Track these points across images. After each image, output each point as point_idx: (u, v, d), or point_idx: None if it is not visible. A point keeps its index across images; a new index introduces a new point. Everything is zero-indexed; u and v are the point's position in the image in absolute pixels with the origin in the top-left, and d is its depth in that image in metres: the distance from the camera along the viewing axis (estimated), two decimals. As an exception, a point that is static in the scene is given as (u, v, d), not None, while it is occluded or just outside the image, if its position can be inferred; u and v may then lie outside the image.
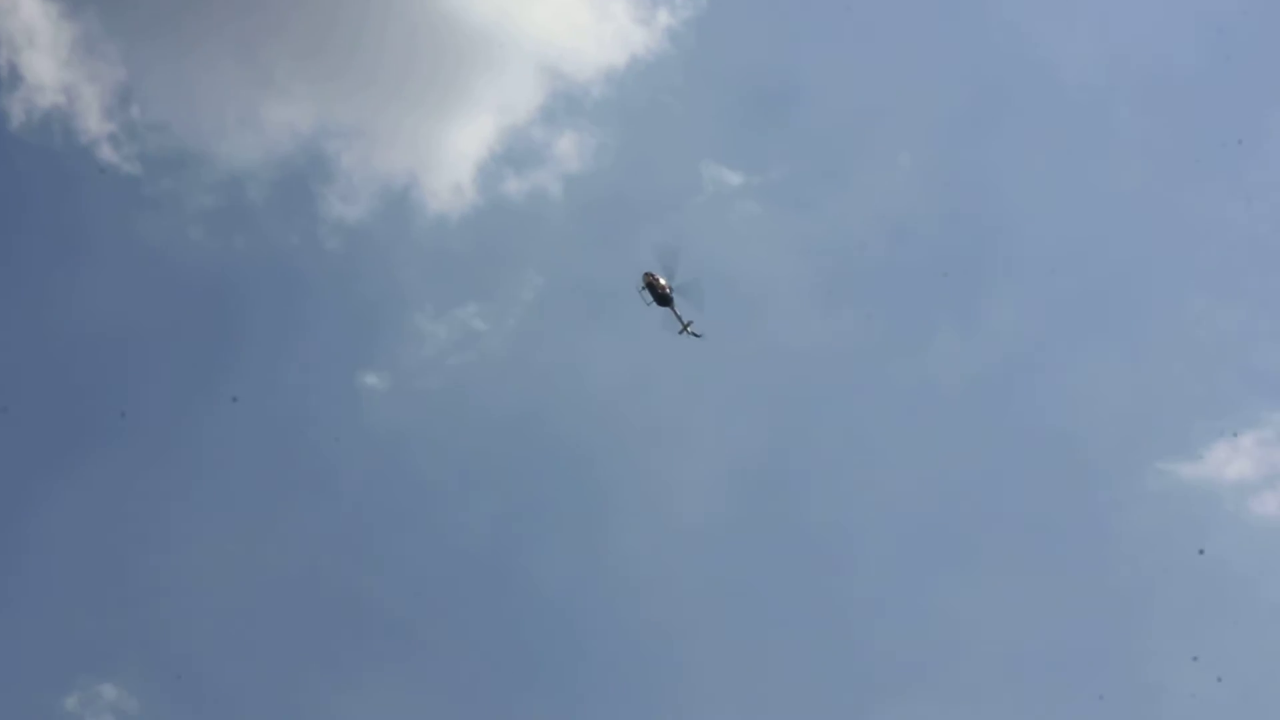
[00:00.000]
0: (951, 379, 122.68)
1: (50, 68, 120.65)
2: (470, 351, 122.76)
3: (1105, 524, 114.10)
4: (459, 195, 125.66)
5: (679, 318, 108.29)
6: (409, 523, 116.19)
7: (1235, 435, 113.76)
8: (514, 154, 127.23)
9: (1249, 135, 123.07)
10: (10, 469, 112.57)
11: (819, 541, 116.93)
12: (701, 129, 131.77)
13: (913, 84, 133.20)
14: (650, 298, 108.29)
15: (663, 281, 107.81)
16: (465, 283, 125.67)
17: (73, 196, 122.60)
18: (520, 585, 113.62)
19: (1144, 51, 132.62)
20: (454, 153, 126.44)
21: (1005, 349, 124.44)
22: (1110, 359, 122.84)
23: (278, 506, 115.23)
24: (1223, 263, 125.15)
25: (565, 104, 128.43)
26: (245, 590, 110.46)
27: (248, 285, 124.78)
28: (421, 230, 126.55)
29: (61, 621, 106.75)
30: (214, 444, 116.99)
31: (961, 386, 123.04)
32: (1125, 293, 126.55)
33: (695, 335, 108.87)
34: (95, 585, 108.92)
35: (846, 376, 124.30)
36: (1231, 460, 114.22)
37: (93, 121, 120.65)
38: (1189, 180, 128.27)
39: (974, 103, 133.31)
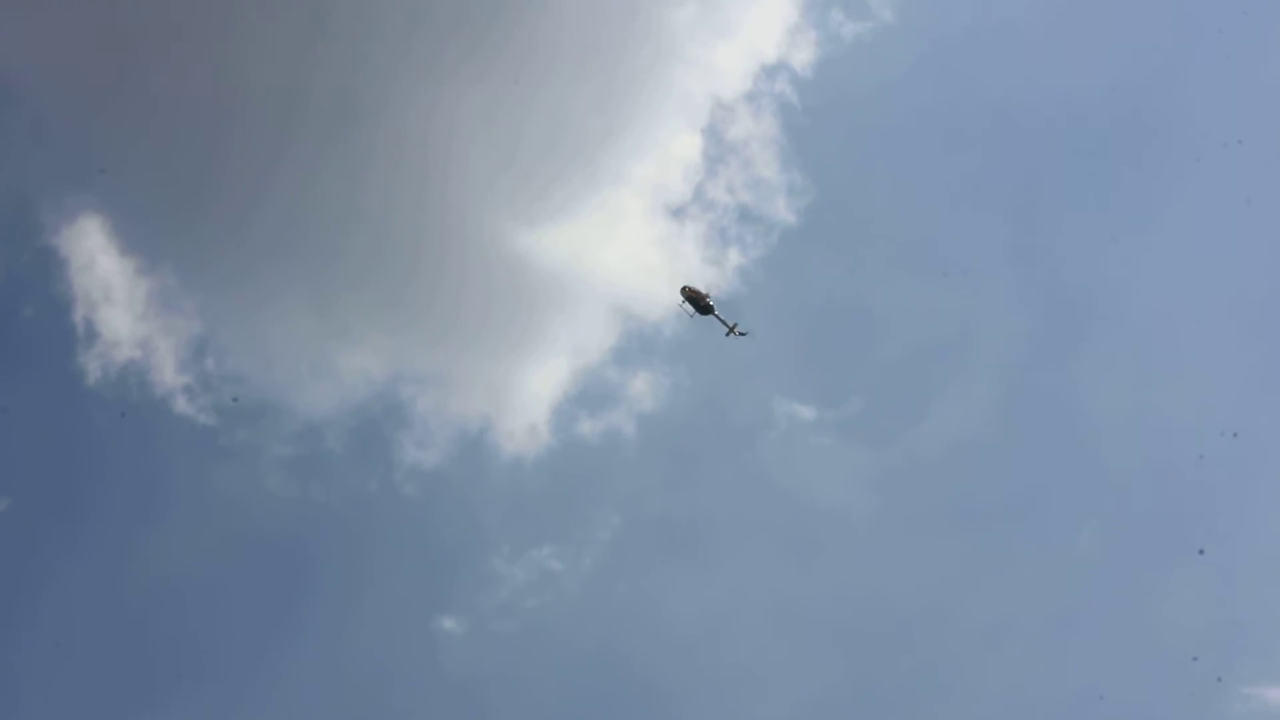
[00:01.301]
0: (1032, 613, 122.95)
1: (126, 322, 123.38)
2: (547, 593, 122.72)
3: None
4: (534, 437, 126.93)
5: (723, 321, 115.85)
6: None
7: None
8: (588, 395, 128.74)
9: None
10: (92, 714, 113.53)
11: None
12: (773, 365, 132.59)
13: (983, 314, 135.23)
14: (693, 310, 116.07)
15: (703, 291, 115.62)
16: (541, 524, 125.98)
17: (149, 449, 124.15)
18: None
19: (1212, 271, 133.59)
20: (528, 395, 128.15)
21: (1086, 577, 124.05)
22: (1193, 584, 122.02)
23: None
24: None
25: (638, 344, 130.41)
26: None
27: (325, 532, 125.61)
28: (497, 473, 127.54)
29: None
30: (294, 690, 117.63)
31: (1042, 620, 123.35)
32: (1205, 516, 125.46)
33: (742, 334, 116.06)
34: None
35: (925, 611, 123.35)
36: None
37: (168, 374, 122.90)
38: (1267, 397, 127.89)
39: (1044, 331, 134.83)
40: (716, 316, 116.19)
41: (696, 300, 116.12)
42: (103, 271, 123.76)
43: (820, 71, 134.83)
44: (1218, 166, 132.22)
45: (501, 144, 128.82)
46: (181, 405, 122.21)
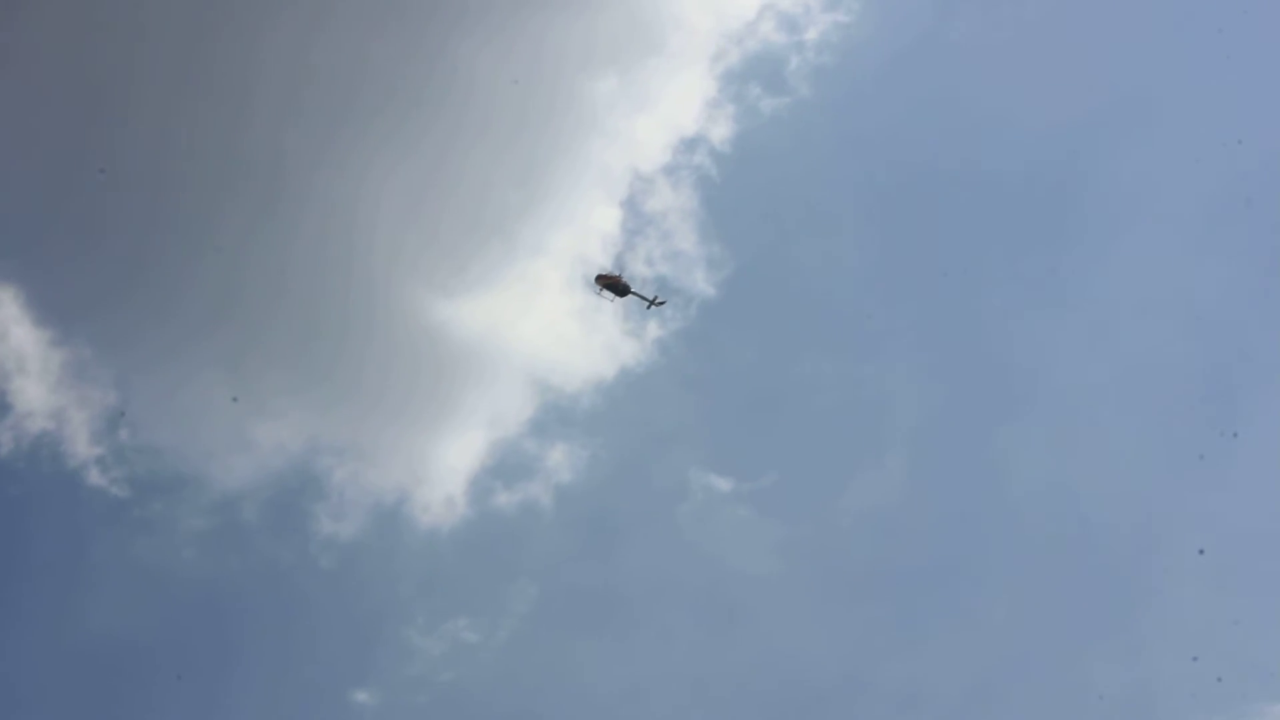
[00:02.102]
0: (945, 683, 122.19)
1: (40, 393, 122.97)
2: (462, 666, 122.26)
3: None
4: (450, 509, 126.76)
5: (642, 297, 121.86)
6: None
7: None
8: (505, 467, 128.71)
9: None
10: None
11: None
12: (690, 437, 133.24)
13: (899, 386, 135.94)
14: (612, 295, 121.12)
15: (616, 274, 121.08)
16: (457, 596, 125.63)
17: (61, 522, 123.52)
18: None
19: (1132, 351, 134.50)
20: (445, 467, 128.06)
21: (1000, 649, 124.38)
22: (1109, 652, 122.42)
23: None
24: (1221, 552, 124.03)
25: (555, 415, 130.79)
26: None
27: (241, 604, 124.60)
28: (413, 545, 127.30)
29: None
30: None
31: (958, 689, 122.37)
32: (1123, 586, 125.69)
33: (661, 304, 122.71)
34: None
35: (843, 681, 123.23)
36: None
37: (81, 445, 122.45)
38: (1176, 477, 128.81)
39: (960, 403, 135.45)
40: (635, 294, 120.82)
41: (614, 285, 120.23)
42: (15, 342, 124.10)
43: (738, 145, 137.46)
44: (1139, 235, 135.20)
45: (422, 216, 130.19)
46: (95, 477, 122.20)
